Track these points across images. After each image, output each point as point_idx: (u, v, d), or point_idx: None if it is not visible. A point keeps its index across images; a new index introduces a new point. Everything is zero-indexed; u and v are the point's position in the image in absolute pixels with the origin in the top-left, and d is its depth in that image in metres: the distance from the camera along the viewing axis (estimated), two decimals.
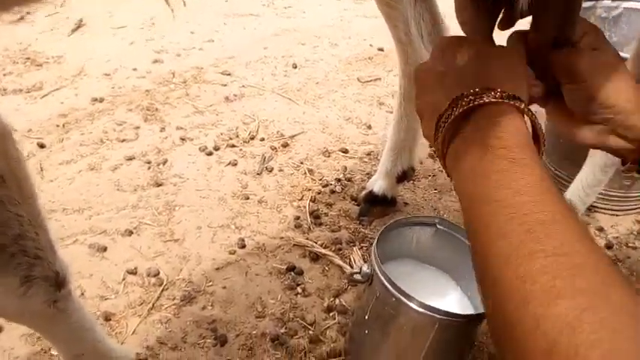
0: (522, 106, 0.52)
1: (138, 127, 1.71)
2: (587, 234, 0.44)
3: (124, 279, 1.21)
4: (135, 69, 2.02)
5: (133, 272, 1.22)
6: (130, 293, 1.18)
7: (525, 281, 0.41)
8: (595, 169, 1.33)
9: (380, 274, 0.93)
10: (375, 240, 0.98)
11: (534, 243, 0.42)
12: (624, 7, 1.57)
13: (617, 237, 1.46)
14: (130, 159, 1.57)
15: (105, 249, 1.28)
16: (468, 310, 1.06)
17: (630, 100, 0.63)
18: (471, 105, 0.51)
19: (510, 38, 0.66)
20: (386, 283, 0.92)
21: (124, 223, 1.36)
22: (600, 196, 1.45)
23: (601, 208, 1.54)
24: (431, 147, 1.72)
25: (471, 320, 0.91)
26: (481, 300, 0.48)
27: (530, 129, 0.54)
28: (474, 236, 0.49)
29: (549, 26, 0.63)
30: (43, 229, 0.71)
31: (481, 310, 0.95)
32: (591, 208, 1.51)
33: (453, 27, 1.27)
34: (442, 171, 1.62)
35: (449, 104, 0.53)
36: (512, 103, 0.51)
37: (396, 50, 1.25)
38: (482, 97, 0.51)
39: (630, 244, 1.43)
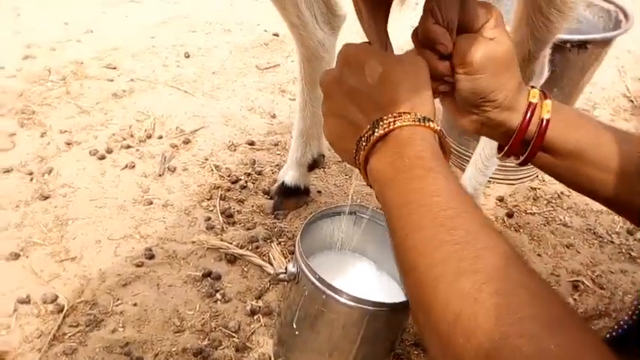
0: (433, 126, 0.58)
1: (13, 134, 1.51)
2: (489, 223, 0.50)
3: (15, 310, 1.05)
4: (2, 67, 1.78)
5: (26, 301, 1.07)
6: (24, 326, 1.03)
7: (435, 267, 0.47)
8: (490, 142, 1.38)
9: (307, 271, 0.89)
10: (298, 236, 0.94)
11: (444, 234, 0.48)
12: None
13: (516, 205, 1.55)
14: (8, 171, 1.38)
15: None
16: (397, 294, 1.06)
17: (508, 97, 0.67)
18: (391, 127, 0.57)
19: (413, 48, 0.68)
20: (314, 280, 0.88)
21: (8, 245, 1.19)
22: (497, 168, 1.53)
23: (499, 179, 1.63)
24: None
25: (400, 308, 0.90)
26: (404, 286, 0.55)
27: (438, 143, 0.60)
28: (394, 234, 0.53)
29: (451, 9, 0.62)
30: None
31: None
32: (491, 180, 1.59)
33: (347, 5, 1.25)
34: None
35: (369, 126, 0.58)
36: (426, 125, 0.57)
37: (291, 34, 1.20)
38: (400, 120, 0.57)
39: (529, 211, 1.52)
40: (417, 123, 0.57)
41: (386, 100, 0.58)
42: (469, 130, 0.71)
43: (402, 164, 0.55)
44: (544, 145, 0.67)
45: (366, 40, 0.67)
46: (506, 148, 0.71)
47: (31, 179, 1.37)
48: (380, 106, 0.58)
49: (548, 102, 0.68)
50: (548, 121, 0.66)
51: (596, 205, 1.57)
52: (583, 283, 1.30)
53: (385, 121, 0.57)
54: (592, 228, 1.48)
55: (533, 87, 0.70)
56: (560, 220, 1.50)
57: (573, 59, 1.40)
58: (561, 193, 1.60)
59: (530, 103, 0.67)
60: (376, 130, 0.57)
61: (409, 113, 0.57)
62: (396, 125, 0.57)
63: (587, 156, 0.66)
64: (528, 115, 0.67)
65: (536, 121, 0.67)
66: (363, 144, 0.59)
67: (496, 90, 0.65)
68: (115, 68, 1.88)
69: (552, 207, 1.55)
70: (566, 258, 1.37)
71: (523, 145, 0.69)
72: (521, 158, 0.71)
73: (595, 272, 1.33)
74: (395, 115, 0.57)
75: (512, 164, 1.59)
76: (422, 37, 0.65)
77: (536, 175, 1.66)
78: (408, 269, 0.50)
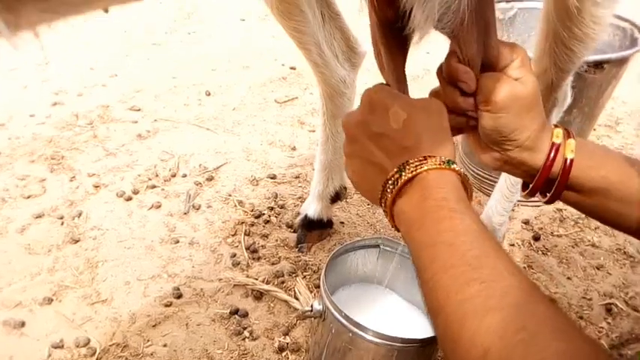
0: (457, 169, 0.60)
1: (44, 180, 1.56)
2: (513, 263, 0.52)
3: (49, 355, 1.08)
4: (32, 115, 1.85)
5: (59, 346, 1.09)
6: None
7: (463, 304, 0.48)
8: None
9: (332, 309, 0.89)
10: (323, 272, 0.95)
11: (471, 272, 0.50)
12: (518, 8, 1.66)
13: (542, 228, 1.53)
14: (39, 216, 1.43)
15: (23, 324, 1.14)
16: (424, 327, 1.05)
17: (530, 137, 0.68)
18: (417, 171, 0.58)
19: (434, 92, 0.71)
20: (340, 318, 0.88)
21: (42, 290, 1.22)
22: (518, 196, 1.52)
23: (523, 202, 1.61)
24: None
25: (428, 342, 0.90)
26: (432, 325, 0.55)
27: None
28: (422, 273, 0.55)
29: (470, 47, 0.64)
30: None
31: None
32: (515, 203, 1.57)
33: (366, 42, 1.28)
34: None
35: (396, 170, 0.59)
36: (450, 168, 0.59)
37: (313, 72, 1.23)
38: (426, 164, 0.58)
39: (555, 233, 1.50)
40: (442, 166, 0.58)
41: (411, 144, 0.60)
42: (491, 166, 0.72)
43: (429, 205, 0.56)
44: (569, 183, 0.68)
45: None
46: (529, 187, 0.71)
47: (62, 223, 1.41)
48: (405, 150, 0.60)
49: (571, 141, 0.68)
50: (572, 160, 0.67)
51: None
52: (616, 305, 1.26)
53: (412, 165, 0.59)
54: (622, 248, 1.45)
55: (556, 126, 0.70)
56: (589, 240, 1.47)
57: (591, 79, 1.40)
58: None
59: (553, 144, 0.68)
60: (403, 173, 0.59)
61: (434, 157, 0.59)
62: (422, 169, 0.58)
63: (614, 192, 0.67)
64: (552, 155, 0.67)
65: (560, 161, 0.67)
66: (390, 187, 0.60)
67: (517, 130, 0.66)
68: (139, 110, 1.94)
69: (580, 228, 1.52)
70: (597, 280, 1.34)
71: (548, 184, 0.70)
72: (547, 197, 0.71)
73: (628, 294, 1.30)
74: (420, 158, 0.59)
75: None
76: (446, 75, 0.68)
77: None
78: (437, 307, 0.51)
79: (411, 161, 0.59)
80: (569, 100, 1.16)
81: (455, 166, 0.59)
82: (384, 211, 0.63)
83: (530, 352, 0.43)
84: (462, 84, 0.66)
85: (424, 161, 0.58)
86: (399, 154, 0.60)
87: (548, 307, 0.47)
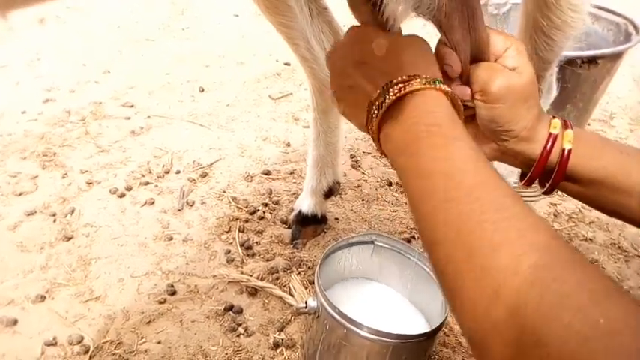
0: (444, 87, 0.57)
1: (36, 177, 1.55)
2: (514, 193, 0.49)
3: (42, 353, 1.07)
4: (24, 112, 1.84)
5: (53, 343, 1.09)
6: None
7: (468, 238, 0.46)
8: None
9: (327, 306, 0.89)
10: (317, 269, 0.94)
11: (472, 205, 0.47)
12: (512, 3, 1.65)
13: None
14: (31, 214, 1.41)
15: (15, 321, 1.13)
16: (419, 321, 1.05)
17: (527, 128, 0.67)
18: (402, 92, 0.56)
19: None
20: (334, 315, 0.88)
21: (34, 287, 1.21)
22: (515, 186, 1.51)
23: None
24: (352, 157, 1.72)
25: (423, 338, 0.89)
26: (429, 259, 0.51)
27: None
28: (418, 207, 0.52)
29: (454, 31, 0.63)
30: None
31: (433, 321, 0.94)
32: None
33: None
34: (367, 181, 1.62)
35: (379, 92, 0.57)
36: (437, 87, 0.57)
37: (302, 67, 1.23)
38: (411, 84, 0.56)
39: None
40: (428, 85, 0.56)
41: (393, 67, 0.59)
42: (490, 158, 0.71)
43: (420, 131, 0.54)
44: (568, 174, 0.67)
45: None
46: (526, 178, 0.70)
47: (54, 220, 1.40)
48: (387, 73, 0.58)
49: (569, 132, 0.67)
50: (569, 151, 0.66)
51: None
52: None
53: (395, 86, 0.57)
54: (616, 242, 1.45)
55: (554, 117, 0.70)
56: (583, 235, 1.48)
57: (585, 75, 1.40)
58: (582, 207, 1.58)
59: (550, 134, 0.67)
60: (387, 96, 0.57)
61: (418, 76, 0.57)
62: (407, 90, 0.56)
63: (614, 183, 0.66)
64: (549, 146, 0.67)
65: (557, 152, 0.67)
66: (375, 112, 0.58)
67: (513, 120, 0.66)
68: (132, 106, 1.92)
69: (574, 222, 1.53)
70: None
71: (546, 174, 0.69)
72: (545, 187, 0.70)
73: (622, 288, 1.30)
74: (404, 78, 0.57)
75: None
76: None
77: (555, 191, 1.64)
78: (437, 242, 0.49)
79: (394, 81, 0.57)
80: (554, 93, 1.16)
81: (443, 85, 0.57)
82: (371, 137, 0.61)
83: (550, 287, 0.39)
84: (447, 67, 0.65)
85: (408, 81, 0.56)
86: (381, 78, 0.58)
87: (555, 238, 0.44)
